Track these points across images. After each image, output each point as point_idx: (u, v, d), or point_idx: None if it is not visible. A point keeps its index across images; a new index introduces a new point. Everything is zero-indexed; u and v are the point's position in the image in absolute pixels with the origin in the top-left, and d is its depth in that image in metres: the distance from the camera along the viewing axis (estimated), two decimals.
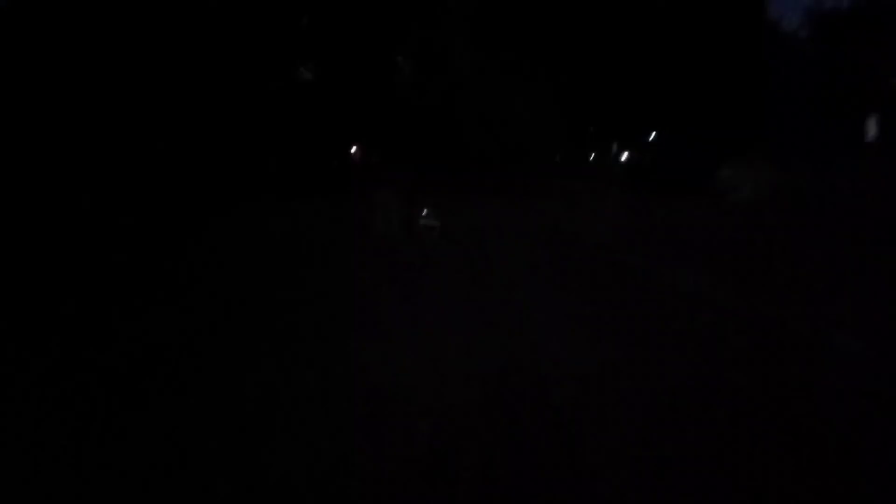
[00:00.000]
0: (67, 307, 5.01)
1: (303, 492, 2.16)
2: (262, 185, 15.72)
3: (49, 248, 7.80)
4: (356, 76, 18.36)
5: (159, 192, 13.52)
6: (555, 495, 2.15)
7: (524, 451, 2.47)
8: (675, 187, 16.48)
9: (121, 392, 3.22)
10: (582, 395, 3.08)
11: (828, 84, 26.91)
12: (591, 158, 20.04)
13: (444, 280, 6.02)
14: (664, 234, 9.62)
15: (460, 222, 9.87)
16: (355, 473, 2.28)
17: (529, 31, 16.31)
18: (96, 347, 3.98)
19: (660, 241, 8.84)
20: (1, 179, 12.06)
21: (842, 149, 21.76)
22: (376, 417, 2.80)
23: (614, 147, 20.61)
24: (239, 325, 4.62)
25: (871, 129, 15.14)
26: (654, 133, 19.25)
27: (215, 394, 3.16)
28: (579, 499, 2.14)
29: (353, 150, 21.33)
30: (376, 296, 5.45)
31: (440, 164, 16.14)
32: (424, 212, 9.28)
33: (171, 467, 2.36)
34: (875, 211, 12.05)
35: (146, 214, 11.06)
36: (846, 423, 2.74)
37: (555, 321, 4.55)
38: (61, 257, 7.31)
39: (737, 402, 3.00)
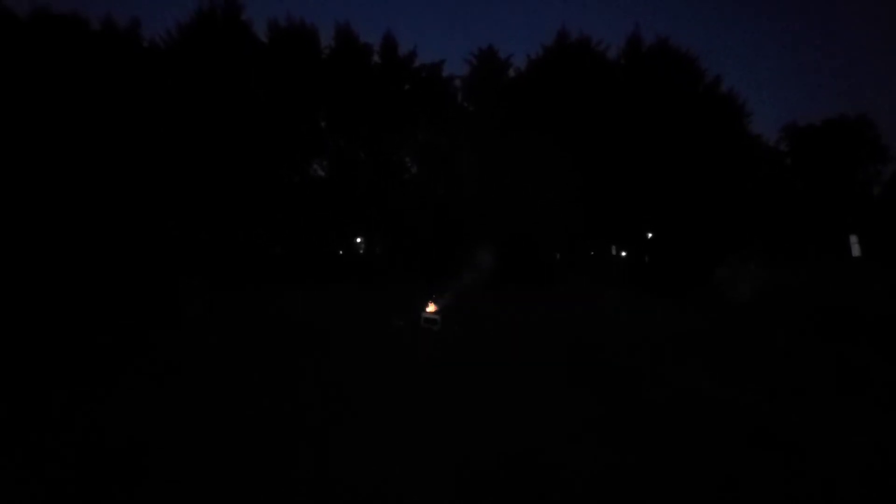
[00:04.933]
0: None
1: None
2: (268, 271, 16.02)
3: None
4: (365, 173, 19.43)
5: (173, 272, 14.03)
6: None
7: None
8: (675, 286, 16.67)
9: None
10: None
11: (810, 193, 28.50)
12: (592, 255, 20.45)
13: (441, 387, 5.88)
14: (665, 332, 9.61)
15: (462, 318, 9.86)
16: None
17: (533, 134, 17.23)
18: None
19: (661, 340, 8.78)
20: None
21: (830, 256, 22.45)
22: None
23: (613, 247, 21.16)
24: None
25: (854, 247, 15.93)
26: (650, 234, 19.87)
27: None
28: None
29: (358, 240, 21.96)
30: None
31: (443, 257, 16.49)
32: (429, 306, 9.31)
33: None
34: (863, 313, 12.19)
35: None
36: None
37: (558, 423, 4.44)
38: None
39: None
